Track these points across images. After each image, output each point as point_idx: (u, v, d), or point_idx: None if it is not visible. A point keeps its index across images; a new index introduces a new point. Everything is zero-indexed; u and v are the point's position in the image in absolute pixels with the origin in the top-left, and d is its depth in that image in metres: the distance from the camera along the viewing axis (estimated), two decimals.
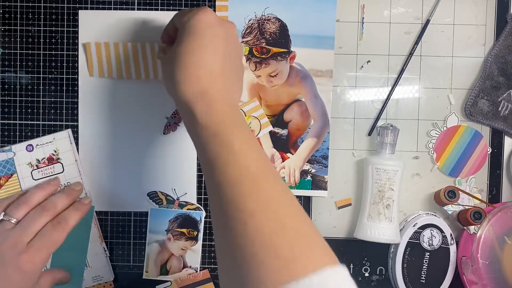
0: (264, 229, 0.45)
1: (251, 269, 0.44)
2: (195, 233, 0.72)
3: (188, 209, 0.72)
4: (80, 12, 0.72)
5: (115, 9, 0.72)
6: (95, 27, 0.72)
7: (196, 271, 0.72)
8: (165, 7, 0.72)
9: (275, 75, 0.72)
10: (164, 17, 0.72)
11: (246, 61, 0.72)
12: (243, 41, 0.72)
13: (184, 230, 0.71)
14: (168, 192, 0.73)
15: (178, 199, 0.73)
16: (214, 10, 0.72)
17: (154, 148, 0.72)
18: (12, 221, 0.64)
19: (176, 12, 0.61)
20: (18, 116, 0.72)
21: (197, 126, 0.52)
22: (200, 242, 0.72)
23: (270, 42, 0.72)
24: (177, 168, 0.73)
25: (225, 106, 0.53)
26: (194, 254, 0.72)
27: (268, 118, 0.72)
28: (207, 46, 0.53)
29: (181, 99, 0.53)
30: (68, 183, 0.71)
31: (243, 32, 0.72)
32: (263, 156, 0.51)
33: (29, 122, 0.72)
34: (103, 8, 0.72)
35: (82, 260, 0.71)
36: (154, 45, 0.71)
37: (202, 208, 0.72)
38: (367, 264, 0.73)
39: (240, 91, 0.59)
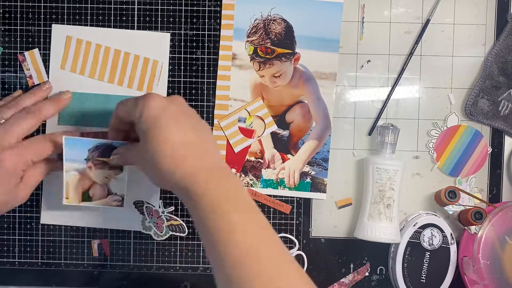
0: None
1: None
2: None
3: (171, 224, 0.72)
4: (54, 26, 0.72)
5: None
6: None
7: (123, 198, 0.68)
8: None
9: (278, 76, 0.72)
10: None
11: (250, 60, 0.72)
12: (248, 41, 0.72)
13: (106, 159, 0.66)
14: (155, 204, 0.72)
15: (163, 212, 0.72)
16: (221, 9, 0.72)
17: None
18: (1, 122, 0.64)
19: (118, 104, 0.61)
20: None
21: (193, 205, 0.55)
22: (126, 171, 0.67)
23: (275, 42, 0.71)
24: None
25: (214, 178, 0.55)
26: (118, 182, 0.68)
27: None
28: (171, 128, 0.56)
29: (176, 186, 0.56)
30: None
31: (248, 31, 0.72)
32: (261, 223, 0.53)
33: None
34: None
35: None
36: (138, 57, 0.71)
37: (185, 226, 0.72)
38: (367, 263, 0.74)
39: (215, 150, 0.60)
